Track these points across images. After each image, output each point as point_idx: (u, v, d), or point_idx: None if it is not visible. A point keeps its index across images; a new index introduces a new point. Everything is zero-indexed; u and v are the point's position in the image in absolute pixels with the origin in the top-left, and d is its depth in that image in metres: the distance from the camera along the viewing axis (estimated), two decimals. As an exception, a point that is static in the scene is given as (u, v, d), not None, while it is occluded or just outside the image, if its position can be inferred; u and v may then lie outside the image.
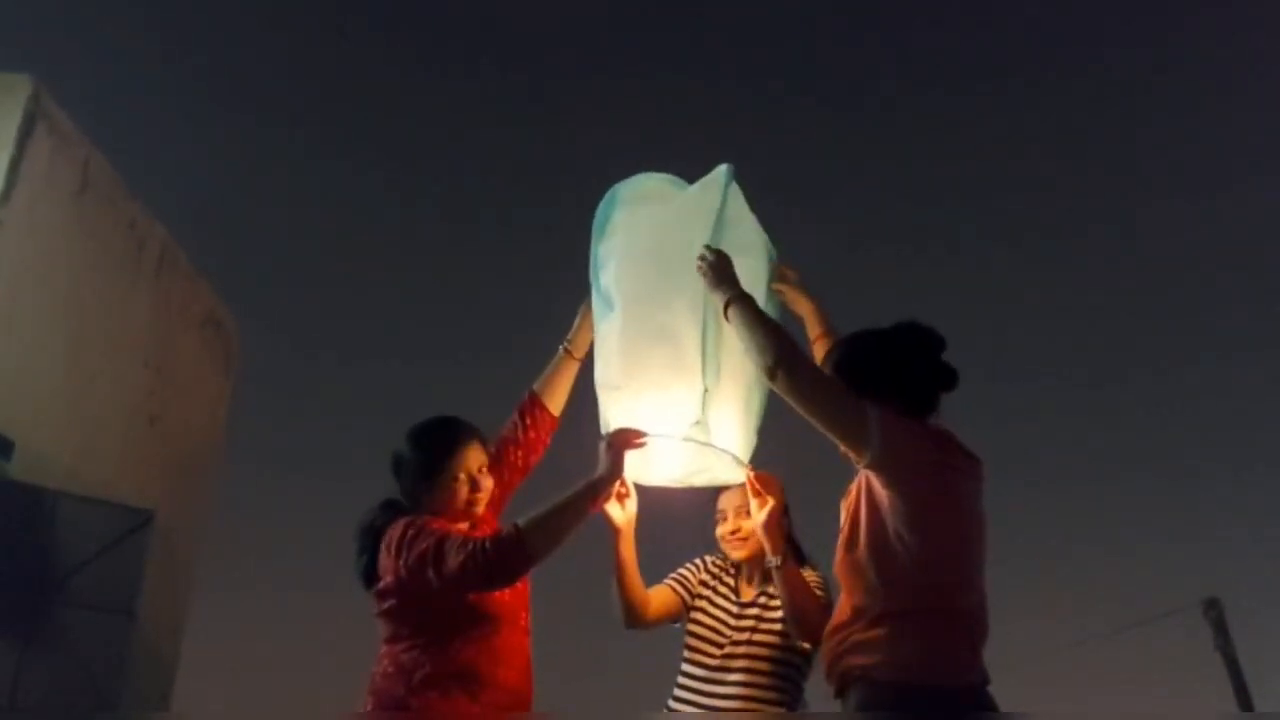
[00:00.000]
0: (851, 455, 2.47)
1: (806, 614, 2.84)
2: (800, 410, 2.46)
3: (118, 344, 7.99)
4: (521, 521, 2.60)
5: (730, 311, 2.57)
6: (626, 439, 2.68)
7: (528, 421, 3.07)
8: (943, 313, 2.69)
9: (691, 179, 2.96)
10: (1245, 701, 5.12)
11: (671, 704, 3.11)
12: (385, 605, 2.66)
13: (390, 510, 2.80)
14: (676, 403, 2.71)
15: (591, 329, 3.03)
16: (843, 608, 2.48)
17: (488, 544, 2.55)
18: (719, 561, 3.25)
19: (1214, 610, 5.64)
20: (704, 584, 3.20)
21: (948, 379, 2.58)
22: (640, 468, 2.75)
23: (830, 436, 2.48)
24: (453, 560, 2.54)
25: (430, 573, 2.56)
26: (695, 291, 2.71)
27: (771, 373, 2.44)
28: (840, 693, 2.43)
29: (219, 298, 9.26)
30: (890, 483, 2.40)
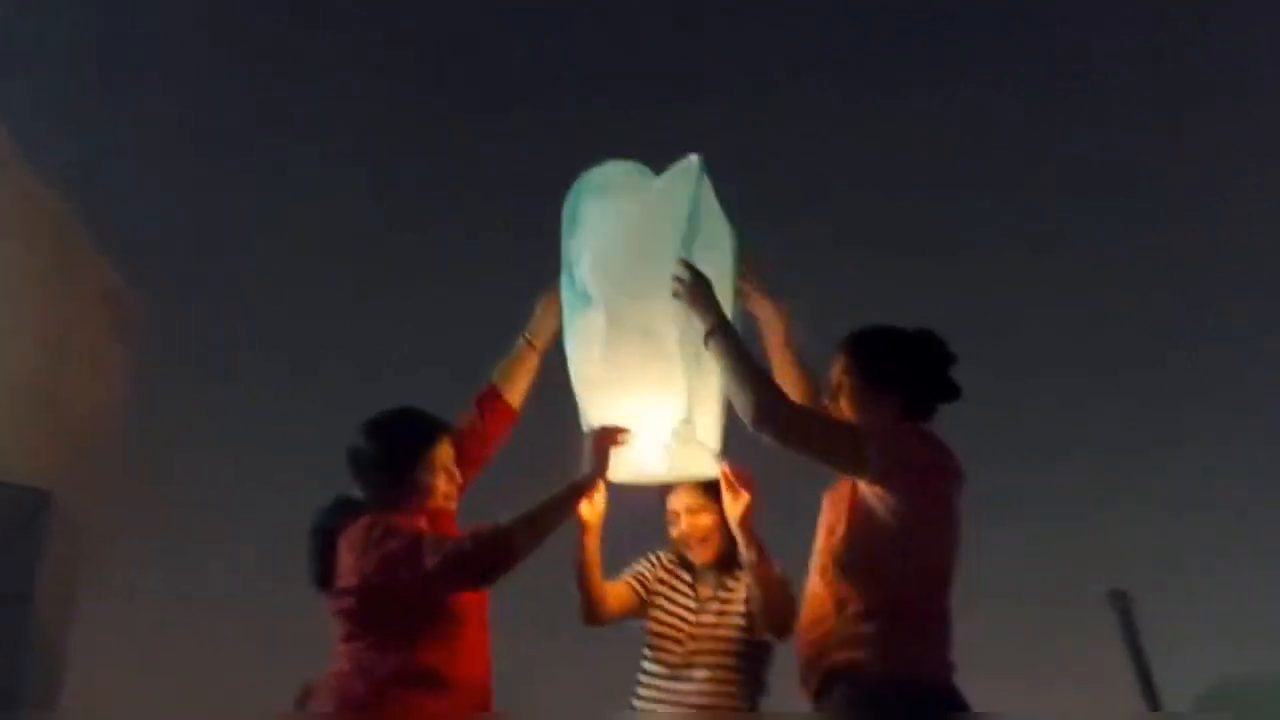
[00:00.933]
0: (850, 478, 2.48)
1: (778, 607, 2.85)
2: (788, 449, 2.47)
3: (11, 321, 7.60)
4: (505, 520, 2.54)
5: (711, 343, 2.56)
6: (612, 436, 2.65)
7: (487, 415, 3.00)
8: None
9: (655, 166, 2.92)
10: (1150, 693, 5.29)
11: (636, 702, 3.08)
12: (345, 604, 2.58)
13: (345, 509, 2.71)
14: (661, 400, 2.69)
15: (554, 320, 2.99)
16: (824, 602, 2.48)
17: (469, 543, 2.49)
18: (673, 558, 3.24)
19: (1120, 602, 5.81)
20: (660, 580, 3.20)
21: (951, 393, 2.62)
22: (620, 465, 2.71)
23: (826, 467, 2.52)
24: (430, 560, 2.47)
25: (404, 572, 2.48)
26: (673, 274, 2.67)
27: (756, 418, 2.44)
28: (821, 688, 2.43)
29: (122, 273, 8.86)
30: (886, 489, 2.42)
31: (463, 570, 2.50)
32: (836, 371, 2.67)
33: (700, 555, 3.11)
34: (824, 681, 2.43)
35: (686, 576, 3.18)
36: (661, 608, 3.14)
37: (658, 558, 3.26)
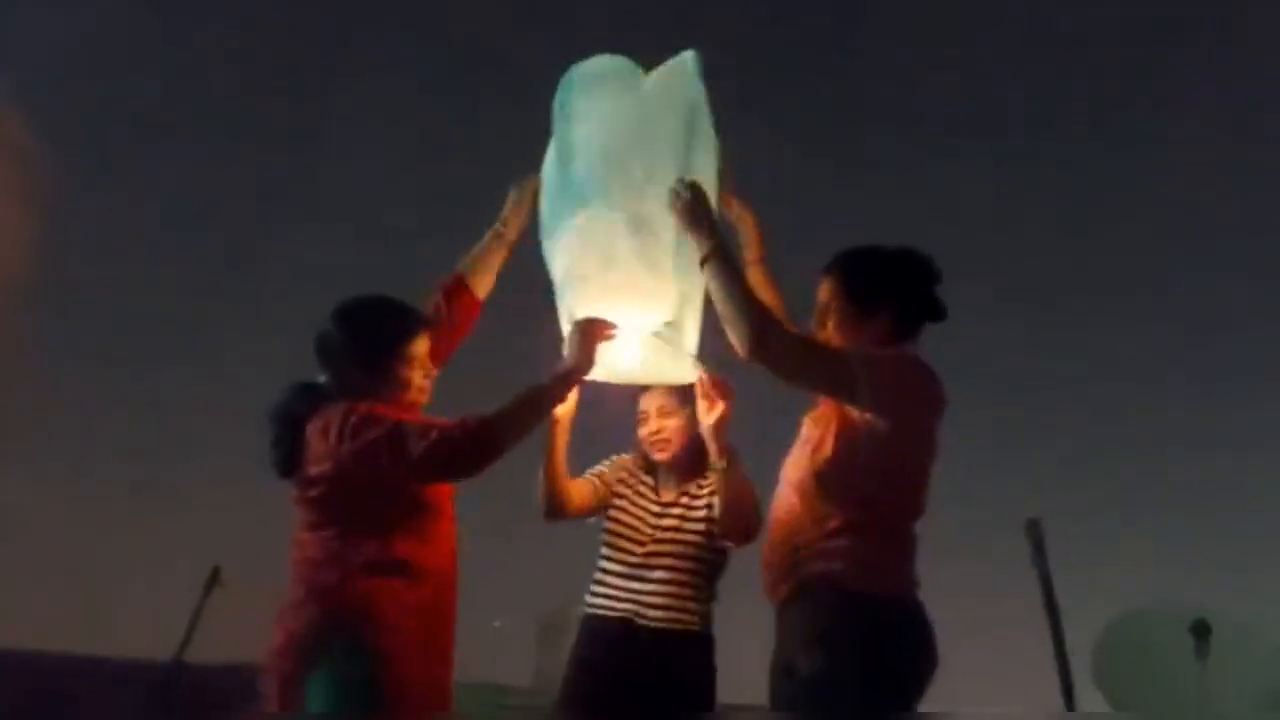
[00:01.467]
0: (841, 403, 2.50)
1: (746, 516, 2.88)
2: (780, 378, 2.50)
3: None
4: (490, 411, 2.50)
5: (708, 267, 2.52)
6: (599, 329, 2.61)
7: (453, 306, 2.92)
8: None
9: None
10: (1055, 621, 5.45)
11: (588, 598, 3.12)
12: (314, 491, 2.53)
13: (311, 395, 2.64)
14: (649, 299, 2.66)
15: (527, 211, 2.94)
16: (801, 515, 2.51)
17: (456, 432, 2.45)
18: (636, 460, 3.25)
19: (1034, 531, 5.96)
20: (621, 482, 3.20)
21: (938, 312, 2.64)
22: (600, 362, 2.67)
23: (819, 394, 2.54)
24: (414, 448, 2.43)
25: (386, 460, 2.44)
26: (670, 189, 2.62)
27: (752, 349, 2.43)
28: (792, 595, 2.48)
29: (29, 129, 8.34)
30: (876, 415, 2.44)
31: (449, 460, 2.46)
32: (823, 293, 2.67)
33: (665, 457, 3.12)
34: (797, 589, 2.48)
35: (649, 480, 3.20)
36: (623, 509, 3.16)
37: (620, 459, 3.27)
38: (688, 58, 2.73)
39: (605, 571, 3.11)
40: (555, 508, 3.05)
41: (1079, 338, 6.78)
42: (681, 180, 2.59)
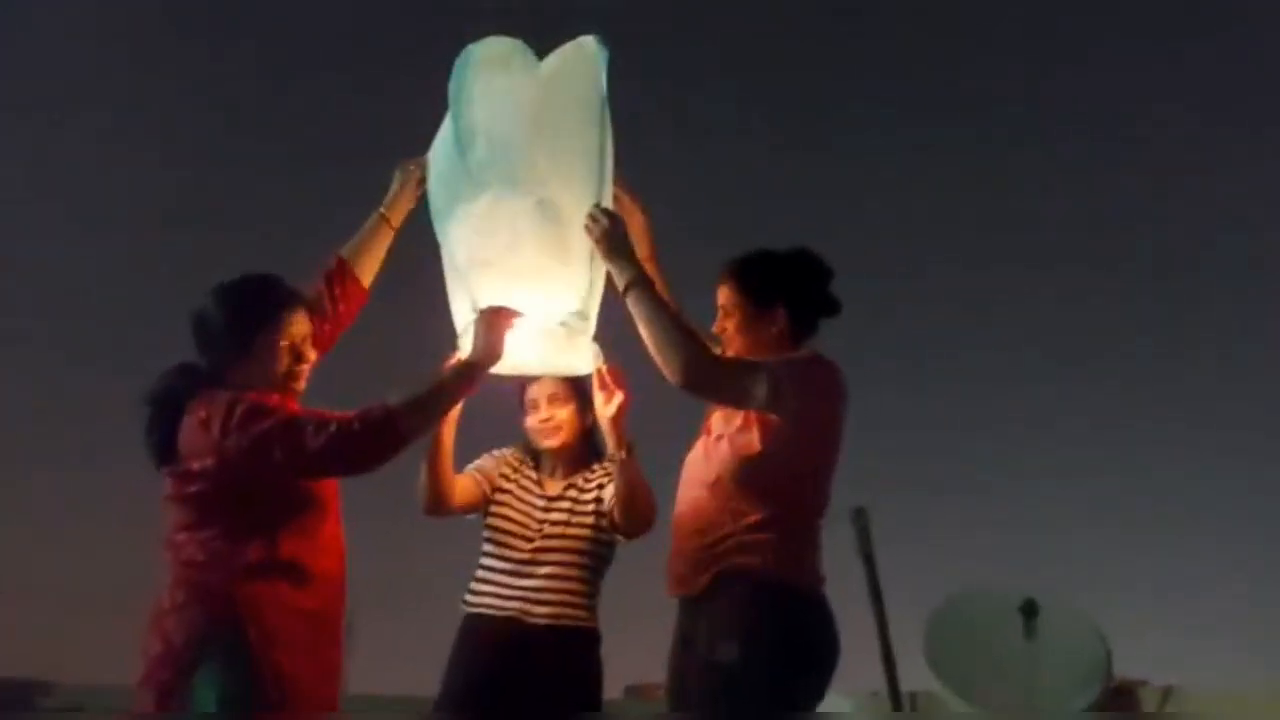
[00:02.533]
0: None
1: (644, 509, 2.88)
2: (709, 401, 2.68)
3: None
4: (393, 401, 2.38)
5: (630, 295, 2.56)
6: (506, 317, 2.52)
7: (337, 292, 2.77)
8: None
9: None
10: (879, 607, 5.65)
11: (469, 597, 3.04)
12: (194, 488, 2.36)
13: (191, 378, 2.46)
14: (555, 288, 2.61)
15: (413, 196, 2.85)
16: (714, 511, 2.58)
17: (355, 424, 2.31)
18: (517, 454, 3.19)
19: (860, 519, 6.17)
20: (504, 477, 3.13)
21: (832, 307, 2.75)
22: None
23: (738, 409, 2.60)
24: (311, 442, 2.28)
25: (278, 453, 2.28)
26: (575, 174, 2.62)
27: (684, 380, 2.50)
28: (708, 587, 2.54)
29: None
30: (792, 419, 2.53)
31: (349, 454, 2.33)
32: (722, 296, 2.75)
33: (555, 444, 3.08)
34: (715, 581, 2.53)
35: (532, 474, 3.14)
36: (507, 503, 3.08)
37: (502, 453, 3.19)
38: (589, 41, 2.69)
39: (489, 569, 3.03)
40: (437, 503, 2.96)
41: (905, 326, 7.03)
42: (598, 206, 2.59)
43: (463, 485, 3.04)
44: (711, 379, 2.59)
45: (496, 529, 3.06)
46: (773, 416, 2.53)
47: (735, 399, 2.59)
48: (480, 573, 3.05)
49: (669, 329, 2.53)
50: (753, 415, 2.57)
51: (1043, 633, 5.02)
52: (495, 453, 3.19)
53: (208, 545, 2.34)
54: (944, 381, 6.74)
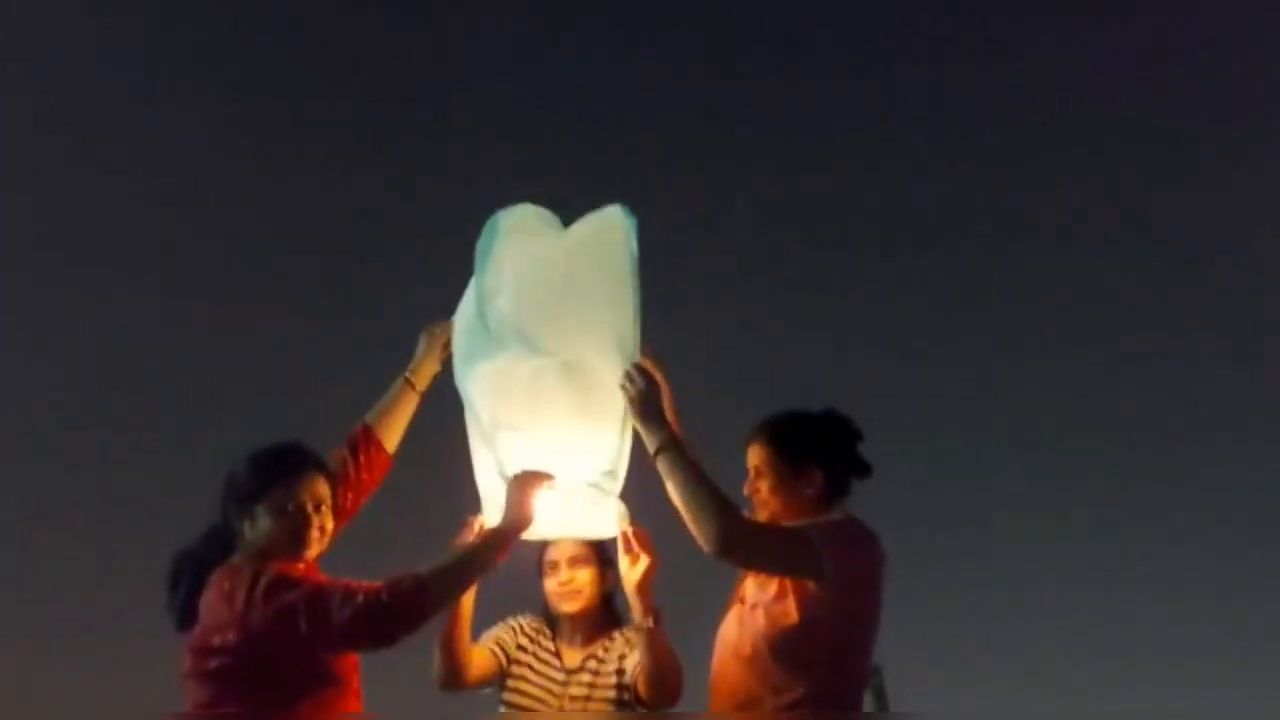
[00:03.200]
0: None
1: (671, 681, 2.77)
2: (746, 569, 2.64)
3: None
4: (423, 571, 2.34)
5: (663, 460, 2.53)
6: (538, 482, 2.50)
7: (361, 460, 2.76)
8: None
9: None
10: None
11: None
12: (214, 664, 2.29)
13: (216, 542, 2.45)
14: (585, 449, 2.58)
15: (438, 361, 2.86)
16: (753, 687, 2.50)
17: (384, 595, 2.26)
18: (533, 622, 3.09)
19: (876, 676, 6.03)
20: (521, 649, 3.02)
21: (864, 469, 2.74)
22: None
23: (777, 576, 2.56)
24: (339, 614, 2.23)
25: (303, 626, 2.23)
26: (603, 336, 2.62)
27: (720, 548, 2.46)
28: None
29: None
30: (833, 589, 2.48)
31: (375, 627, 2.27)
32: (756, 460, 2.72)
33: (575, 609, 2.97)
34: None
35: (550, 644, 3.03)
36: (525, 678, 2.97)
37: (518, 623, 3.09)
38: (618, 211, 2.73)
39: None
40: (453, 679, 2.85)
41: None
42: (636, 366, 2.59)
43: (480, 658, 2.93)
44: (749, 545, 2.54)
45: (515, 705, 2.94)
46: (811, 584, 2.48)
47: (773, 566, 2.54)
48: None
49: (704, 493, 2.48)
50: (788, 583, 2.51)
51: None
52: (510, 621, 3.09)
53: None
54: (958, 540, 6.61)
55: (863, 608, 2.57)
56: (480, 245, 2.72)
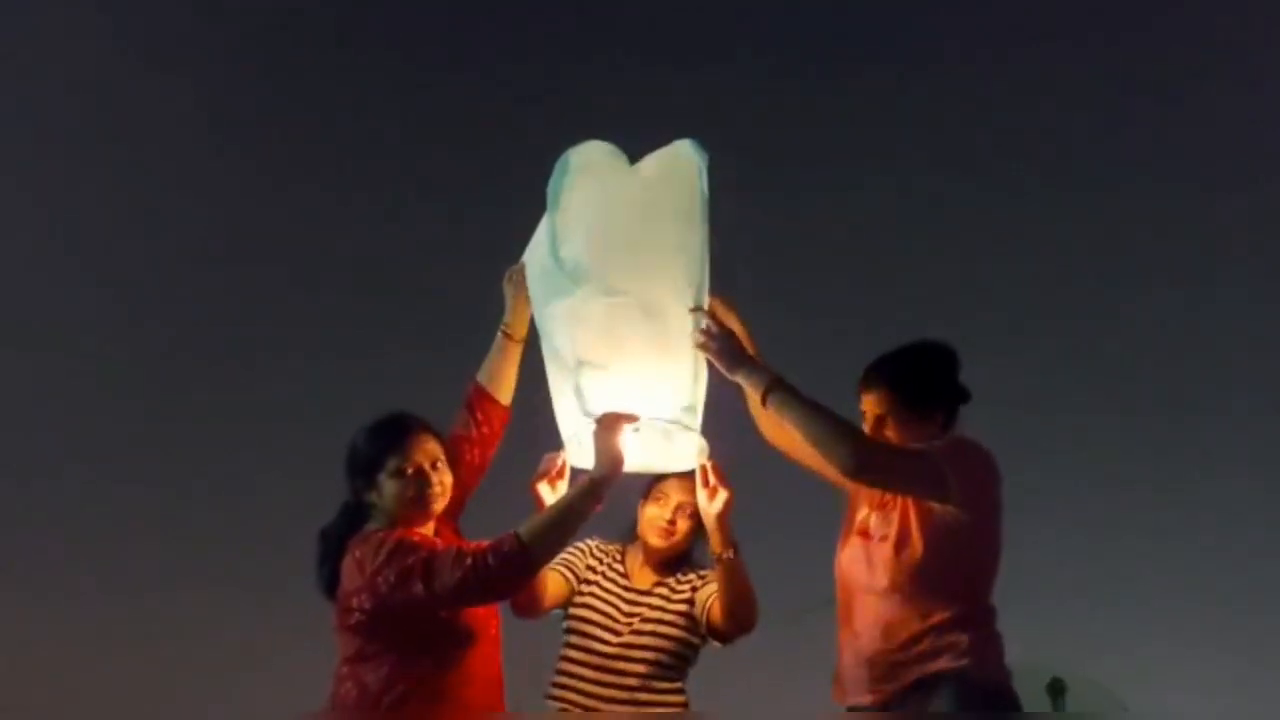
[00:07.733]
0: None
1: (749, 610, 2.87)
2: (877, 488, 2.64)
3: None
4: (522, 530, 2.46)
5: (773, 399, 2.57)
6: (621, 424, 2.56)
7: (479, 416, 2.90)
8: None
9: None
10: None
11: (553, 691, 2.98)
12: (352, 620, 2.49)
13: (351, 516, 2.64)
14: (665, 384, 2.62)
15: (527, 305, 2.87)
16: (902, 616, 2.54)
17: (489, 557, 2.41)
18: (603, 546, 3.17)
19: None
20: (590, 569, 3.10)
21: (966, 396, 2.78)
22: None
23: (906, 495, 2.60)
24: (449, 576, 2.39)
25: (420, 588, 2.40)
26: (677, 273, 2.66)
27: (855, 469, 2.52)
28: (899, 697, 2.50)
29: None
30: (962, 507, 2.53)
31: (483, 587, 2.44)
32: (872, 405, 2.74)
33: (664, 545, 3.04)
34: (912, 687, 2.50)
35: (619, 567, 3.11)
36: (595, 594, 3.04)
37: (587, 545, 3.16)
38: (686, 145, 2.75)
39: (572, 661, 2.98)
40: (531, 604, 2.92)
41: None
42: (709, 317, 2.62)
43: (553, 581, 3.00)
44: (881, 467, 2.57)
45: (583, 619, 3.01)
46: (935, 508, 2.54)
47: (904, 485, 2.58)
48: (562, 665, 2.99)
49: (828, 421, 2.52)
50: (911, 512, 2.57)
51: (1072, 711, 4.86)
52: (580, 544, 3.14)
53: (361, 679, 2.49)
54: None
55: (989, 524, 2.58)
56: (551, 184, 2.74)
